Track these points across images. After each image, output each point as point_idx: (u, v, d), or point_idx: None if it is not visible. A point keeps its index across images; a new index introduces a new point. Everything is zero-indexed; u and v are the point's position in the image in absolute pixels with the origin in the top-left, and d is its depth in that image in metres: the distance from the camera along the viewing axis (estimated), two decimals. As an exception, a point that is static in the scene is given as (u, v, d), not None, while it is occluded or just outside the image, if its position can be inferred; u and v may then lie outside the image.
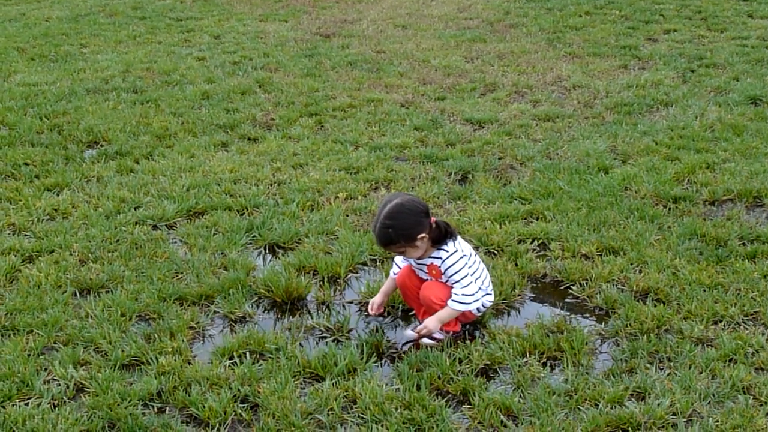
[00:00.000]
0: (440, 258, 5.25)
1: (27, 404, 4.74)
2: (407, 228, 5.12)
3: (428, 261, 5.32)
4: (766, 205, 7.06)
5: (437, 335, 5.33)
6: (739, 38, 12.75)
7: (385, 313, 5.68)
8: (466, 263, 5.28)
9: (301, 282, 5.97)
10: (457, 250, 5.27)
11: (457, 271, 5.24)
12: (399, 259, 5.62)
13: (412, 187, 7.53)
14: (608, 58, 11.90)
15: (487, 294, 5.46)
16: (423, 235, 5.15)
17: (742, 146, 8.28)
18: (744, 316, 5.47)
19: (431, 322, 5.27)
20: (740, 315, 5.47)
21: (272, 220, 6.93)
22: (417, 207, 5.24)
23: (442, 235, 5.24)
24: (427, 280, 5.42)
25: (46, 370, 5.06)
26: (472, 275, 5.30)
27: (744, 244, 6.40)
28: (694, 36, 13.01)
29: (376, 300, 5.57)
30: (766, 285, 5.79)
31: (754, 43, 12.36)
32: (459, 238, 5.40)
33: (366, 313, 5.70)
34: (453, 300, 5.22)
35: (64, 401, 4.79)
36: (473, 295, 5.26)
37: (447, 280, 5.29)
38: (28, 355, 5.18)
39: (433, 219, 5.22)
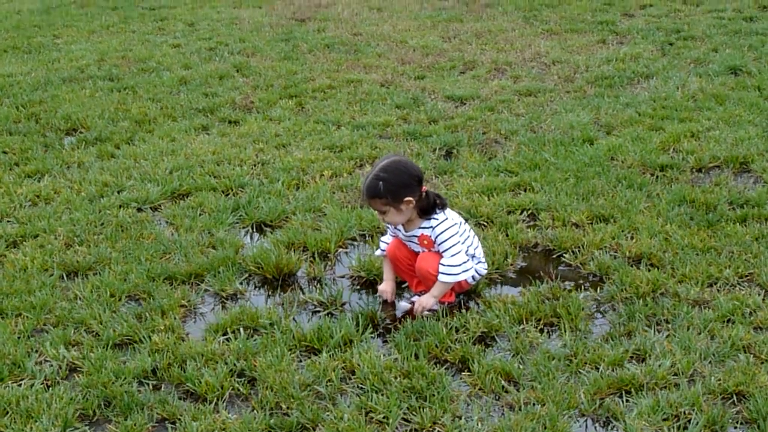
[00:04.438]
0: (431, 227, 5.19)
1: (20, 385, 4.65)
2: (397, 186, 5.03)
3: (418, 232, 5.26)
4: (753, 170, 7.04)
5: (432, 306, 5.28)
6: (715, 11, 12.77)
7: (378, 286, 5.62)
8: (457, 231, 5.22)
9: (292, 258, 5.90)
10: (447, 218, 5.21)
11: (447, 239, 5.18)
12: (386, 237, 5.56)
13: (398, 163, 7.48)
14: (586, 34, 11.88)
15: (480, 262, 5.41)
16: (410, 199, 5.07)
17: (726, 114, 8.28)
18: (739, 278, 5.44)
19: (427, 300, 5.23)
20: (735, 277, 5.44)
21: (258, 199, 6.85)
22: (413, 170, 5.19)
23: (429, 206, 5.18)
24: (418, 252, 5.36)
25: (37, 351, 4.96)
26: (462, 243, 5.25)
27: (734, 208, 6.38)
28: (671, 10, 13.02)
29: (387, 288, 5.45)
30: (758, 247, 5.77)
31: (730, 16, 12.38)
32: (448, 208, 5.34)
33: (358, 287, 5.66)
34: (441, 272, 5.17)
35: (58, 381, 4.70)
36: (460, 265, 5.19)
37: (438, 249, 5.23)
38: (18, 338, 5.08)
39: (424, 188, 5.16)
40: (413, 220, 5.23)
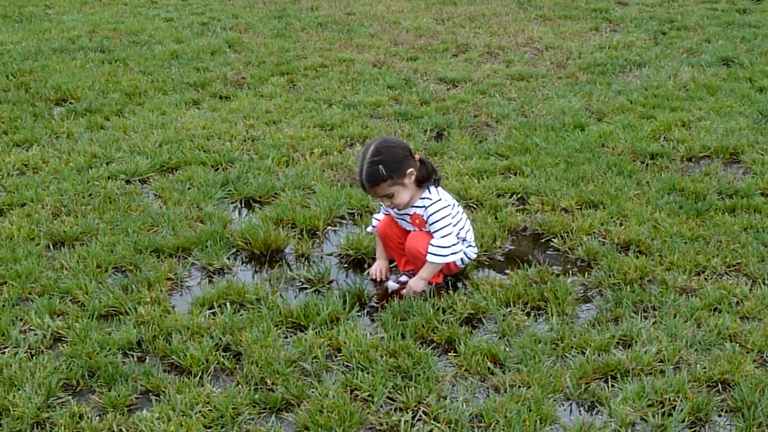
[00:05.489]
0: (423, 206, 5.16)
1: (3, 353, 4.62)
2: (396, 161, 5.00)
3: (411, 210, 5.22)
4: (743, 161, 7.03)
5: (419, 285, 5.26)
6: (709, 2, 12.77)
7: (366, 265, 5.61)
8: (449, 213, 5.19)
9: (280, 234, 5.87)
10: (441, 199, 5.18)
11: (438, 220, 5.14)
12: (378, 214, 5.53)
13: (388, 143, 7.45)
14: (579, 21, 11.86)
15: (471, 246, 5.39)
16: (411, 170, 5.04)
17: (717, 105, 8.27)
18: (726, 267, 5.43)
19: (416, 283, 5.21)
20: (722, 266, 5.43)
21: (247, 174, 6.82)
22: (401, 143, 5.22)
23: (428, 174, 5.15)
24: (409, 231, 5.33)
25: (21, 320, 4.93)
26: (454, 226, 5.22)
27: (723, 198, 6.37)
28: (664, 0, 12.99)
29: (381, 266, 5.47)
30: (746, 237, 5.76)
31: (724, 7, 12.38)
32: (441, 187, 5.32)
33: (346, 265, 5.64)
34: (430, 253, 5.13)
35: (42, 350, 4.67)
36: (450, 247, 5.15)
37: (429, 229, 5.21)
38: (3, 306, 5.03)
39: (417, 156, 5.14)
40: (413, 196, 5.19)
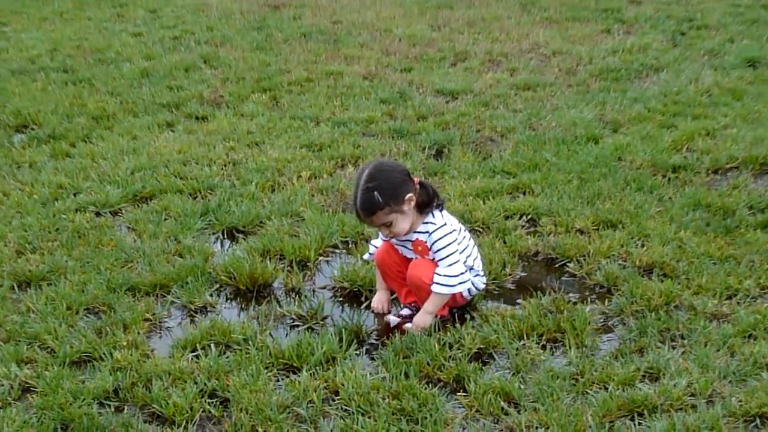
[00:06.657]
0: (427, 232, 5.17)
1: (-33, 407, 4.65)
2: (393, 186, 5.00)
3: (413, 237, 5.23)
4: (774, 172, 7.09)
5: (422, 319, 5.28)
6: (731, -2, 12.87)
7: (363, 298, 5.63)
8: (455, 239, 5.20)
9: (267, 267, 5.89)
10: (445, 224, 5.18)
11: (444, 247, 5.15)
12: (376, 240, 5.55)
13: (383, 164, 7.49)
14: (589, 23, 11.93)
15: (479, 275, 5.40)
16: (410, 195, 5.05)
17: (744, 111, 8.33)
18: (761, 290, 5.46)
19: (423, 319, 5.21)
20: (756, 288, 5.46)
21: (229, 202, 6.85)
22: (398, 166, 5.20)
23: (429, 198, 5.16)
24: (410, 258, 5.34)
25: (-15, 370, 4.96)
26: (460, 253, 5.23)
27: (754, 213, 6.41)
28: (682, -3, 13.12)
29: (382, 298, 5.51)
30: (781, 255, 5.80)
31: (747, 3, 12.47)
32: (445, 211, 5.33)
33: (341, 299, 5.66)
34: (436, 283, 5.13)
35: (9, 402, 4.67)
36: (458, 276, 5.16)
37: (433, 257, 5.22)
38: (-35, 355, 5.07)
39: (416, 179, 5.15)
40: (413, 222, 5.21)
